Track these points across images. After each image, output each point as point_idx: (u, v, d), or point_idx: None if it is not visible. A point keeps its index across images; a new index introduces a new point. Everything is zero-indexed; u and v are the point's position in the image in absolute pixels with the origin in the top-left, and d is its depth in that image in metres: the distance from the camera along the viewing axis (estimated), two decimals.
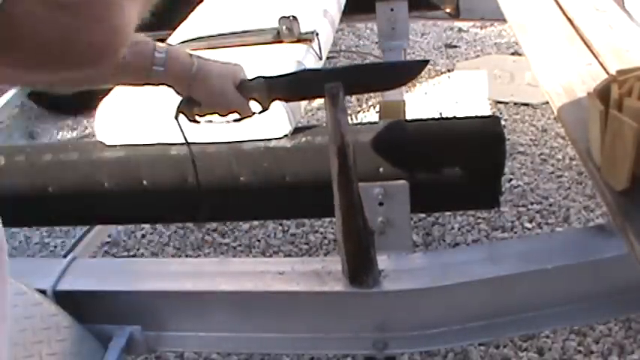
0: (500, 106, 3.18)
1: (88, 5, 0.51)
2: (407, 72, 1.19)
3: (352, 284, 1.18)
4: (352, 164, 1.08)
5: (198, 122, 1.10)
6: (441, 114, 3.13)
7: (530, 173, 2.61)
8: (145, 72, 0.98)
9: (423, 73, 1.20)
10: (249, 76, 1.13)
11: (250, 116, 1.12)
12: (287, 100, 1.25)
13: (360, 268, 1.17)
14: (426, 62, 1.20)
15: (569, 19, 1.71)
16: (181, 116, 1.09)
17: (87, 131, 3.40)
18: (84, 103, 3.43)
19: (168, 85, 1.04)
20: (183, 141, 1.09)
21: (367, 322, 1.21)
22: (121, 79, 1.03)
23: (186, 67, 1.02)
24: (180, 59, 1.01)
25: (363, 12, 2.90)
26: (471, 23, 3.99)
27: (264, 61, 1.64)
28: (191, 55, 1.04)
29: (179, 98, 1.07)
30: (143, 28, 0.62)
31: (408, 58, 3.62)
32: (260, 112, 1.14)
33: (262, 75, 1.13)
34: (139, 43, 0.97)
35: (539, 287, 1.18)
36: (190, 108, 1.07)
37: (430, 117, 2.94)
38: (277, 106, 1.44)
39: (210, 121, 1.10)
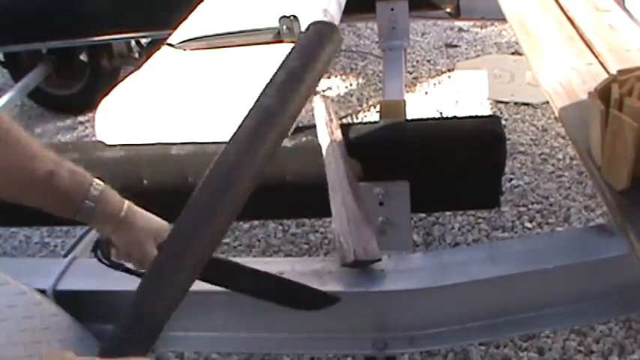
0: (501, 105, 3.18)
1: None
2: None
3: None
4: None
5: (110, 264, 1.05)
6: (441, 114, 3.13)
7: (530, 173, 2.61)
8: (74, 204, 0.95)
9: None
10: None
11: None
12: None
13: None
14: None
15: (569, 19, 1.71)
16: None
17: (87, 131, 3.40)
18: (84, 103, 3.44)
19: (93, 226, 1.02)
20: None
21: (367, 322, 1.21)
22: (46, 203, 0.97)
23: (115, 210, 0.99)
24: (112, 202, 0.99)
25: (363, 12, 2.89)
26: (471, 23, 3.98)
27: (264, 61, 1.64)
28: (124, 201, 1.01)
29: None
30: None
31: (409, 57, 3.62)
32: None
33: None
34: (78, 173, 0.96)
35: (539, 287, 1.17)
36: (108, 249, 1.04)
37: (430, 117, 2.95)
38: None
39: (128, 270, 1.06)
